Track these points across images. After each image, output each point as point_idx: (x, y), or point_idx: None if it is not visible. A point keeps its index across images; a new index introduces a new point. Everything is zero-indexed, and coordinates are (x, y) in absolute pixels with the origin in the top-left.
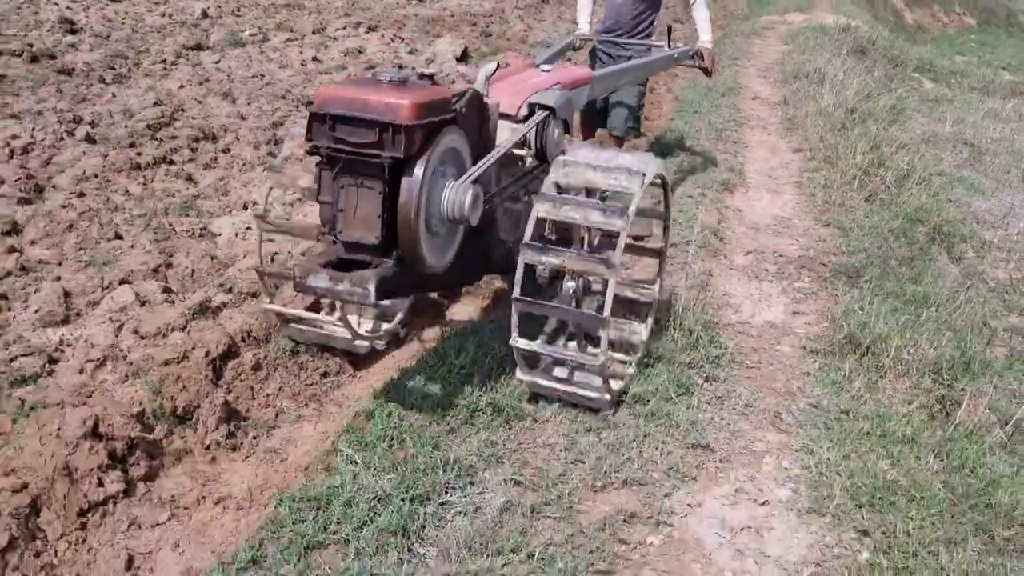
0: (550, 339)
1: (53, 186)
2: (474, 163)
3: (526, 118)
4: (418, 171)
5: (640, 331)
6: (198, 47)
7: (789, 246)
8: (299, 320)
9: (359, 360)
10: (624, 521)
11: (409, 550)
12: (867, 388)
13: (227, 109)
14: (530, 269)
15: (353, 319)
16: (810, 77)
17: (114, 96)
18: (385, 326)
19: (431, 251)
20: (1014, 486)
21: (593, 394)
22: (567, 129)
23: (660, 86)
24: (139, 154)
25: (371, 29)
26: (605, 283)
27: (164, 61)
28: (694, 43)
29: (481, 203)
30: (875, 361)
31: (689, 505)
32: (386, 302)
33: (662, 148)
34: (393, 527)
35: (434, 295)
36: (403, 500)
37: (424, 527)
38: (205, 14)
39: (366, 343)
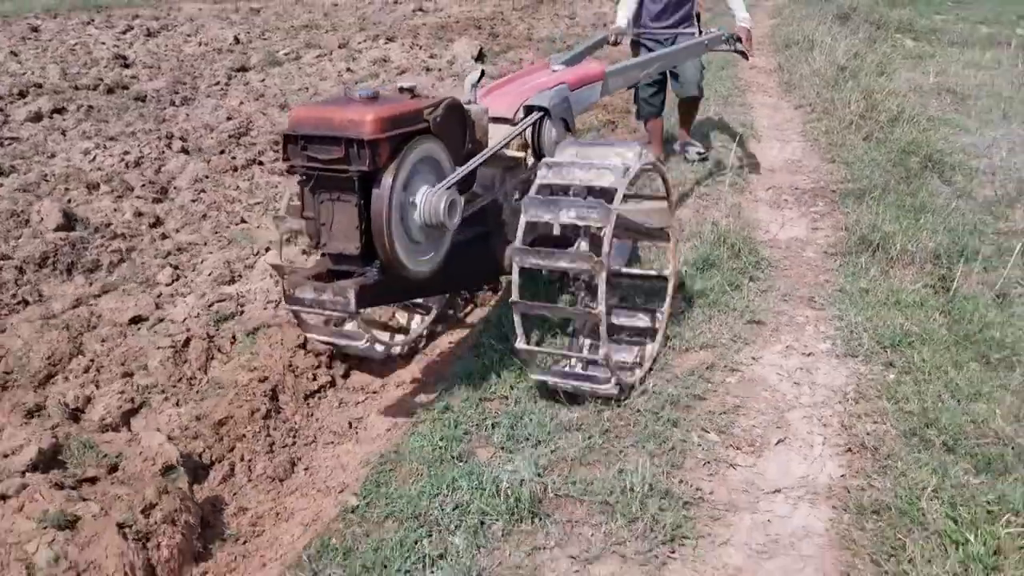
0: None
1: (175, 188)
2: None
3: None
4: (386, 182)
5: (650, 321)
6: (243, 68)
7: (802, 181)
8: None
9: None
10: (707, 369)
11: (553, 399)
12: (881, 274)
13: None
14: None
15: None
16: (800, 44)
17: (187, 116)
18: (400, 337)
19: (411, 257)
20: (1004, 327)
21: (602, 387)
22: (568, 128)
23: None
24: (233, 158)
25: (390, 40)
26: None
27: (218, 83)
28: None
29: (459, 208)
30: (885, 255)
31: (753, 358)
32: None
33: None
34: (539, 384)
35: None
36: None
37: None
38: (237, 40)
39: (382, 348)
